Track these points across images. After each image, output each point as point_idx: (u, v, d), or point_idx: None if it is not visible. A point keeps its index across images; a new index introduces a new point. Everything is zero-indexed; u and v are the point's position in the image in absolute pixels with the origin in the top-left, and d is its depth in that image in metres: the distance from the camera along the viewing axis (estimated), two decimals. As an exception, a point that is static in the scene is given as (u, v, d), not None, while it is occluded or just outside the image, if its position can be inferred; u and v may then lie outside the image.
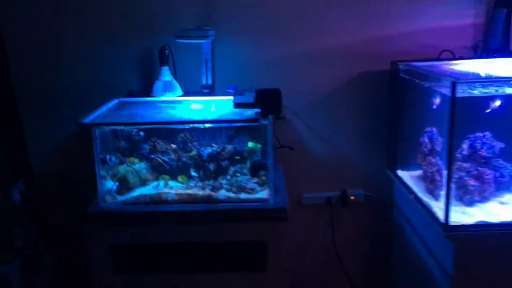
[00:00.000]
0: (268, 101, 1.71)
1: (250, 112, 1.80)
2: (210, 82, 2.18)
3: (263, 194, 1.82)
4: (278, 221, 1.76)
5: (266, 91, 1.72)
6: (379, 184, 2.37)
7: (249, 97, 1.79)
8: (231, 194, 1.82)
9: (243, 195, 1.82)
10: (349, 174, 2.40)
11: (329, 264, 2.50)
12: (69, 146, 2.28)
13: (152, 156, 1.93)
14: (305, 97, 2.36)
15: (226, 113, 1.87)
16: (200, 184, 1.87)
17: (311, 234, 2.44)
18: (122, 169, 1.87)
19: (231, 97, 2.07)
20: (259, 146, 2.03)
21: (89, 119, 1.76)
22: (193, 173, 1.95)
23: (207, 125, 1.81)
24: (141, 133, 2.00)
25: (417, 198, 1.92)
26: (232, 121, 1.77)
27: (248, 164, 2.03)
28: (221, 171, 1.93)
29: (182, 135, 1.98)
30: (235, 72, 2.25)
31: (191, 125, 1.78)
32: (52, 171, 2.31)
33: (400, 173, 2.16)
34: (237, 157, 1.98)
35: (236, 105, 1.77)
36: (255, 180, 1.88)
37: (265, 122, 1.71)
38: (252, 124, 1.71)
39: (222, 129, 2.03)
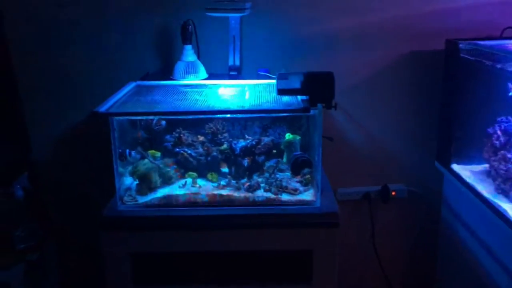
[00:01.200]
0: (319, 86, 1.44)
1: (287, 99, 1.54)
2: (238, 63, 1.91)
3: (308, 195, 1.57)
4: (327, 228, 1.51)
5: (317, 75, 1.45)
6: (425, 179, 2.15)
7: (294, 82, 1.51)
8: (271, 195, 1.56)
9: (284, 196, 1.56)
10: (390, 166, 2.17)
11: (366, 268, 2.25)
12: (77, 137, 2.01)
13: (177, 149, 1.67)
14: (344, 81, 2.07)
15: (262, 99, 1.60)
16: (233, 183, 1.60)
17: (346, 233, 2.21)
18: (142, 165, 1.60)
19: (265, 81, 1.81)
20: (298, 138, 1.76)
21: (105, 107, 1.49)
22: (223, 169, 1.69)
23: (245, 116, 1.53)
24: (163, 122, 1.73)
25: (481, 197, 1.66)
26: (279, 111, 1.51)
27: (285, 159, 1.77)
28: (256, 168, 1.67)
29: (211, 125, 1.70)
30: (265, 52, 2.00)
31: (229, 116, 1.50)
32: (56, 164, 2.08)
33: (455, 167, 1.90)
34: (274, 151, 1.71)
35: (281, 91, 1.50)
36: (298, 178, 1.62)
37: (315, 111, 1.44)
38: (301, 114, 1.44)
39: (256, 118, 1.76)
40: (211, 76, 1.91)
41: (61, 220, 2.11)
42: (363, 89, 2.11)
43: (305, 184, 1.60)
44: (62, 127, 2.03)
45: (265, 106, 1.51)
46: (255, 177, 1.66)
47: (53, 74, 1.96)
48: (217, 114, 1.51)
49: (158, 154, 1.71)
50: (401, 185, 2.18)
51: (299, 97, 1.53)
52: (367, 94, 2.11)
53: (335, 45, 2.02)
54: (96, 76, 1.95)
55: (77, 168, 2.07)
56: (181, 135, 1.68)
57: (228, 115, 1.55)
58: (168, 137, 1.71)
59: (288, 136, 1.77)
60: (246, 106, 1.53)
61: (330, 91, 1.44)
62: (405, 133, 2.11)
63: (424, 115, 2.08)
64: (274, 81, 1.78)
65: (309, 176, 1.60)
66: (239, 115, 1.54)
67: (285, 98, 1.58)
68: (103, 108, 1.47)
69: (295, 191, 1.58)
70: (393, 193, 2.20)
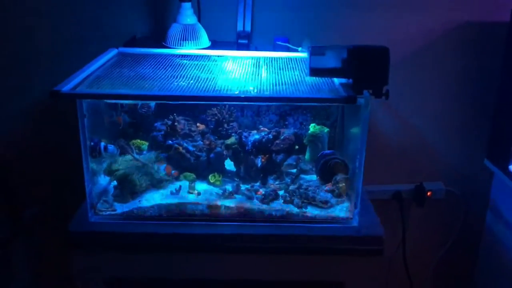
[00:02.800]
0: (369, 67, 1.04)
1: (315, 80, 1.15)
2: (248, 28, 1.57)
3: (342, 210, 1.20)
4: (366, 256, 1.13)
5: (366, 51, 1.05)
6: (468, 178, 1.85)
7: (332, 59, 1.10)
8: (293, 208, 1.18)
9: (310, 210, 1.18)
10: (426, 161, 1.85)
11: (393, 280, 1.90)
12: (47, 117, 1.61)
13: (170, 142, 1.27)
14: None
15: (285, 79, 1.20)
16: (243, 189, 1.22)
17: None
18: (122, 162, 1.21)
19: (284, 54, 1.41)
20: (326, 130, 1.37)
21: (71, 84, 1.08)
22: (230, 168, 1.30)
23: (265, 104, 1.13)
24: (152, 104, 1.32)
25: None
26: (317, 100, 1.10)
27: (307, 156, 1.38)
28: (272, 169, 1.28)
29: (215, 111, 1.30)
30: (282, 15, 1.63)
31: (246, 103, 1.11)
32: (26, 149, 1.70)
33: (513, 168, 1.55)
34: (297, 147, 1.32)
35: (315, 71, 1.09)
36: (328, 187, 1.23)
37: (361, 101, 1.05)
38: (345, 104, 1.05)
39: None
40: (214, 45, 1.53)
41: (31, 217, 1.73)
42: (400, 67, 1.70)
43: (338, 194, 1.22)
44: (23, 109, 1.66)
45: (294, 92, 1.10)
46: (270, 181, 1.27)
47: (10, 40, 1.57)
48: (227, 101, 1.10)
49: (145, 145, 1.32)
50: (438, 184, 1.88)
51: (336, 79, 1.14)
52: (404, 74, 1.73)
53: (364, 12, 1.62)
54: (66, 41, 1.57)
55: (45, 160, 1.67)
56: (175, 123, 1.28)
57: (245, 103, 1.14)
58: (158, 124, 1.31)
59: (313, 127, 1.38)
60: (265, 88, 1.12)
61: (384, 74, 1.05)
62: (448, 122, 1.78)
63: (474, 102, 1.74)
64: (296, 54, 1.38)
65: (343, 184, 1.21)
66: (257, 103, 1.13)
67: (310, 79, 1.18)
68: (67, 87, 1.06)
69: (324, 204, 1.20)
70: (429, 193, 1.89)
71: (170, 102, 1.12)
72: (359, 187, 1.16)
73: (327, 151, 1.31)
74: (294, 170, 1.35)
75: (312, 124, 1.39)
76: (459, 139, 1.80)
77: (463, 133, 1.79)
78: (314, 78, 1.19)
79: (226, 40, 1.58)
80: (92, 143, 1.14)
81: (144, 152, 1.31)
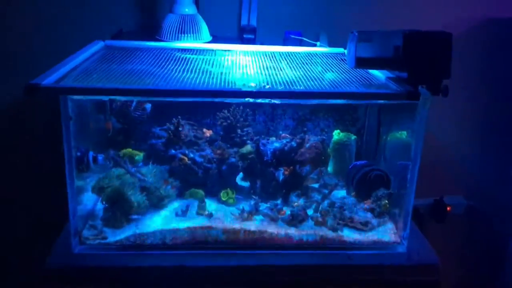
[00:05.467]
0: (428, 57, 0.84)
1: (349, 75, 0.95)
2: (254, 22, 1.41)
3: (385, 232, 0.99)
4: (420, 289, 0.93)
5: (426, 37, 0.85)
6: (490, 191, 1.70)
7: (378, 48, 0.90)
8: (326, 232, 0.97)
9: (348, 234, 0.97)
10: (446, 173, 1.70)
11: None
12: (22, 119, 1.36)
13: (173, 152, 1.03)
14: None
15: (313, 74, 1.00)
16: (263, 208, 1.00)
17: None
18: (114, 177, 0.97)
19: (303, 48, 1.22)
20: (353, 137, 1.17)
21: (52, 78, 0.83)
22: (242, 183, 1.08)
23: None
24: (147, 106, 1.09)
25: None
26: (369, 96, 0.90)
27: (331, 168, 1.17)
28: (295, 183, 1.06)
29: (226, 113, 1.08)
30: (289, 9, 1.47)
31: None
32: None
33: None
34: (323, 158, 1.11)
35: (360, 62, 0.89)
36: (367, 204, 1.02)
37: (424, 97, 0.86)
38: (404, 102, 0.85)
39: (288, 106, 1.16)
40: (215, 40, 1.30)
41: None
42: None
43: (379, 213, 1.01)
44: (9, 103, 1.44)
45: (344, 87, 0.89)
46: (294, 199, 1.05)
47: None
48: (253, 97, 0.88)
49: (140, 156, 1.08)
50: (459, 198, 1.74)
51: (377, 72, 0.94)
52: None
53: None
54: (46, 33, 1.39)
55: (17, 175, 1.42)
56: (179, 129, 1.05)
57: (267, 100, 0.92)
58: (156, 130, 1.08)
59: (338, 134, 1.17)
60: (294, 85, 0.91)
61: (446, 65, 0.86)
62: (470, 128, 1.67)
63: (498, 108, 1.61)
64: (314, 49, 1.19)
65: (386, 201, 1.00)
66: (298, 101, 0.93)
67: (338, 75, 0.98)
68: (48, 80, 0.81)
69: (364, 226, 0.99)
70: (448, 208, 1.73)
71: (178, 99, 0.89)
72: (410, 204, 0.96)
73: (360, 162, 1.11)
74: (317, 185, 1.14)
75: (336, 131, 1.19)
76: (482, 148, 1.67)
77: (486, 140, 1.66)
78: (345, 72, 0.99)
79: (228, 35, 1.42)
80: (78, 153, 0.90)
81: (140, 164, 1.07)
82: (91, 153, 0.91)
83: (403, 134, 1.04)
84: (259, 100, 0.95)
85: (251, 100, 0.90)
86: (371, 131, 1.18)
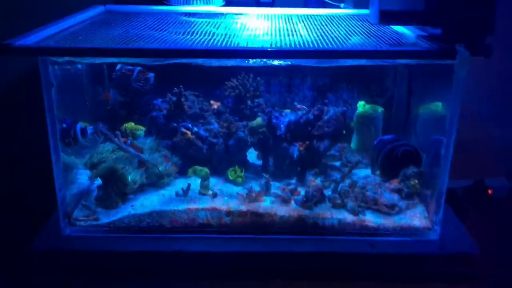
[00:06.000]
0: (467, 9, 0.70)
1: (356, 38, 0.83)
2: None
3: (415, 216, 0.86)
4: (454, 283, 0.80)
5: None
6: None
7: (405, 1, 0.76)
8: (346, 216, 0.84)
9: (371, 218, 0.85)
10: (486, 153, 1.54)
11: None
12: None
13: (175, 125, 0.93)
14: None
15: (332, 35, 0.87)
16: (275, 189, 0.88)
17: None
18: (107, 153, 0.87)
19: (322, 10, 1.09)
20: (380, 109, 1.03)
21: (30, 39, 0.74)
22: (252, 160, 0.97)
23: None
24: (150, 75, 0.99)
25: None
26: (396, 54, 0.77)
27: (354, 144, 1.04)
28: (312, 161, 0.94)
29: (234, 82, 0.96)
30: None
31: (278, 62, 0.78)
32: None
33: None
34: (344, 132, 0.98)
35: (385, 16, 0.75)
36: (394, 185, 0.89)
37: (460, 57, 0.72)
38: (437, 62, 0.72)
39: (306, 74, 1.03)
40: (229, 4, 1.18)
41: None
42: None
43: (408, 195, 0.88)
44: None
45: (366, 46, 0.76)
46: (310, 178, 0.93)
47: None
48: (267, 57, 0.77)
49: (141, 131, 0.98)
50: (500, 179, 1.55)
51: (408, 32, 0.80)
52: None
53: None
54: None
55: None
56: (181, 99, 0.94)
57: (281, 62, 0.80)
58: (158, 102, 0.98)
59: (362, 106, 1.04)
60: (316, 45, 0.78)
61: (489, 18, 0.71)
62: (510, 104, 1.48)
63: None
64: (341, 10, 1.06)
65: (416, 181, 0.87)
66: (318, 63, 0.84)
67: (358, 38, 0.84)
68: (25, 41, 0.72)
69: (391, 209, 0.86)
70: (489, 190, 1.56)
71: (181, 60, 0.78)
72: (444, 185, 0.82)
73: (387, 137, 0.98)
74: (338, 163, 1.02)
75: (361, 103, 1.06)
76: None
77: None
78: (372, 35, 0.85)
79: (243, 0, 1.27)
80: (64, 125, 0.81)
81: (140, 139, 0.97)
82: (78, 125, 0.82)
83: (437, 106, 0.90)
84: (259, 62, 0.83)
85: (251, 62, 0.78)
86: (401, 103, 1.04)
